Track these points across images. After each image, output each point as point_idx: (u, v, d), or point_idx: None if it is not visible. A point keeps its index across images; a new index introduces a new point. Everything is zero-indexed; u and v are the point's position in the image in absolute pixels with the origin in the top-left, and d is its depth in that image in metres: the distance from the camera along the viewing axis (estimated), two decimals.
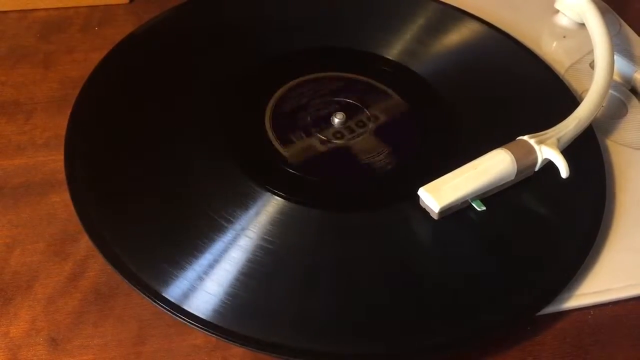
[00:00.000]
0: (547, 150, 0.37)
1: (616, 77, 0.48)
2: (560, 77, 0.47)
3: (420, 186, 0.36)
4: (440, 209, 0.35)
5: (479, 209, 0.36)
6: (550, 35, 0.52)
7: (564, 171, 0.36)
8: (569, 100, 0.44)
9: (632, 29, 0.53)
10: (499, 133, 0.38)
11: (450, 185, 0.35)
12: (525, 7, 0.54)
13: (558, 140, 0.37)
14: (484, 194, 0.36)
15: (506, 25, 0.50)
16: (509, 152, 0.36)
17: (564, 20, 0.53)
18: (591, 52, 0.45)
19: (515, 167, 0.36)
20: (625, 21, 0.53)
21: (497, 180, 0.36)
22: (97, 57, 0.44)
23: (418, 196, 0.36)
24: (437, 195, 0.35)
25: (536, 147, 0.37)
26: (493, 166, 0.36)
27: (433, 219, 0.36)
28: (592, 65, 0.44)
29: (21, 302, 0.34)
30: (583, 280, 0.36)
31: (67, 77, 0.46)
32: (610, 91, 0.47)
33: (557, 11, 0.53)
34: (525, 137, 0.37)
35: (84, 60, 0.47)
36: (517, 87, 0.46)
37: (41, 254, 0.36)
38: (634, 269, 0.37)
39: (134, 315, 0.34)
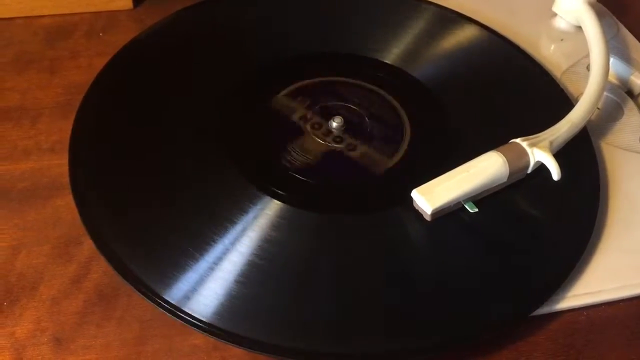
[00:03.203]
0: (539, 152, 0.37)
1: (613, 80, 0.48)
2: (557, 80, 0.47)
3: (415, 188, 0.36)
4: (433, 210, 0.35)
5: (471, 211, 0.36)
6: (548, 39, 0.52)
7: (555, 174, 0.37)
8: (565, 104, 0.44)
9: (631, 32, 0.53)
10: (494, 136, 0.39)
11: (442, 187, 0.36)
12: (522, 11, 0.55)
13: (550, 143, 0.38)
14: (476, 195, 0.37)
15: (504, 28, 0.50)
16: (502, 155, 0.37)
17: (561, 23, 0.53)
18: (589, 55, 0.45)
19: (508, 169, 0.37)
20: (624, 24, 0.53)
21: (489, 183, 0.37)
22: (101, 62, 0.44)
23: (411, 198, 0.36)
24: (429, 197, 0.35)
25: (528, 149, 0.37)
26: (485, 168, 0.36)
27: (427, 220, 0.36)
28: (589, 68, 0.44)
29: (26, 303, 0.34)
30: (576, 282, 0.36)
31: (72, 83, 0.46)
32: (607, 93, 0.47)
33: (555, 14, 0.53)
34: (518, 140, 0.38)
35: (88, 65, 0.47)
36: (513, 90, 0.46)
37: (46, 257, 0.36)
38: (627, 270, 0.37)
39: (135, 316, 0.34)
